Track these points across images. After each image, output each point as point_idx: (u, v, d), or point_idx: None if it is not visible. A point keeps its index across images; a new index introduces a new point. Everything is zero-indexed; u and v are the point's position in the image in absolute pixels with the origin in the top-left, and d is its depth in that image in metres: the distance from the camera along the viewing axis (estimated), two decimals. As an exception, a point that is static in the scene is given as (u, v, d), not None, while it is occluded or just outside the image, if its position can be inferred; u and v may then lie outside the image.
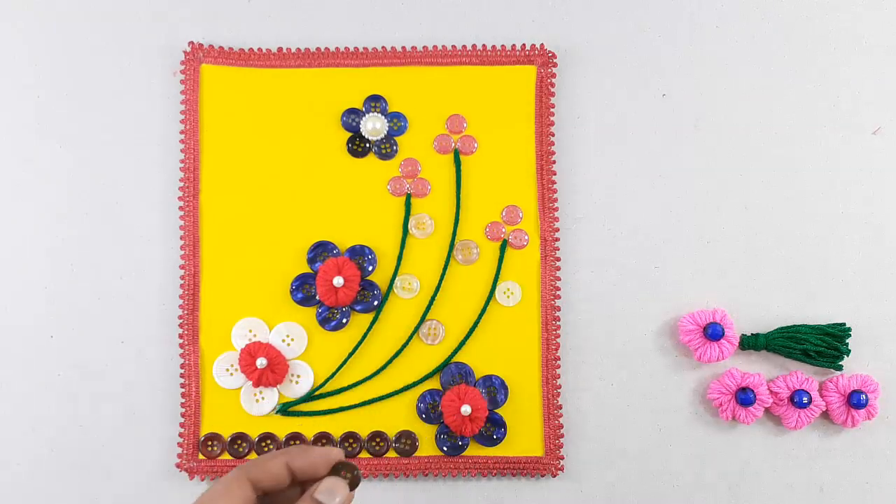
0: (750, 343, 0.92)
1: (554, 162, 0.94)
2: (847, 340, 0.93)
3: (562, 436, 0.92)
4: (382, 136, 0.93)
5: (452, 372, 0.91)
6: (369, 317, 0.92)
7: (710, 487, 0.93)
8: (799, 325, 0.93)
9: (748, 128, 0.96)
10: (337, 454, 0.64)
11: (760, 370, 0.93)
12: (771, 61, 0.97)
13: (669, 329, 0.94)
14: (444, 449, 0.90)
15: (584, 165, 0.95)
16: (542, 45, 0.95)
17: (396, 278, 0.92)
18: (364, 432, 0.91)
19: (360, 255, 0.92)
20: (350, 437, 0.91)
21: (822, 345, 0.93)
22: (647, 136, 0.96)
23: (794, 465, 0.93)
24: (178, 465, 0.91)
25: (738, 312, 0.94)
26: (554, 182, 0.94)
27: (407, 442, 0.91)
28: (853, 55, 0.97)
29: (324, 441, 0.90)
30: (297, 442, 0.90)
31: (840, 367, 0.93)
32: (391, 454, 0.91)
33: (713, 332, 0.91)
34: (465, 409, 0.89)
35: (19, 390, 0.92)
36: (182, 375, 0.91)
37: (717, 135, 0.96)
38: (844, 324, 0.93)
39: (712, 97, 0.96)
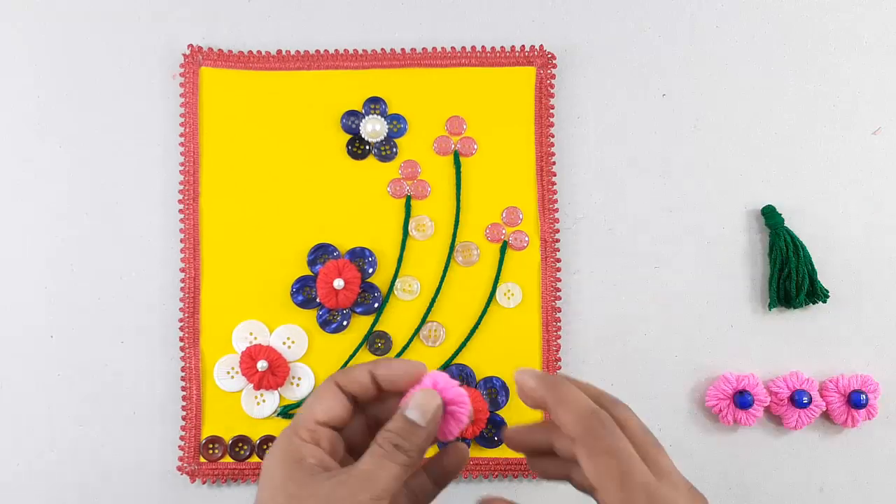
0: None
1: (554, 163, 0.94)
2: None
3: (562, 437, 0.92)
4: (382, 137, 0.93)
5: (453, 373, 0.91)
6: (370, 319, 0.92)
7: (710, 487, 0.93)
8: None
9: (748, 128, 0.96)
10: (418, 367, 0.64)
11: (754, 371, 0.93)
12: (771, 61, 0.97)
13: (669, 329, 0.94)
14: (445, 451, 0.90)
15: (584, 166, 0.95)
16: (541, 46, 0.95)
17: (397, 280, 0.92)
18: (365, 435, 0.91)
19: (361, 258, 0.92)
20: (351, 439, 0.91)
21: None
22: (647, 136, 0.96)
23: (794, 465, 0.93)
24: (179, 469, 0.91)
25: (739, 314, 0.94)
26: (554, 183, 0.94)
27: (408, 444, 0.91)
28: (853, 55, 0.97)
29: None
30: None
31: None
32: (392, 456, 0.91)
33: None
34: (466, 411, 0.89)
35: (19, 390, 0.92)
36: (183, 378, 0.91)
37: (717, 135, 0.96)
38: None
39: (712, 97, 0.96)
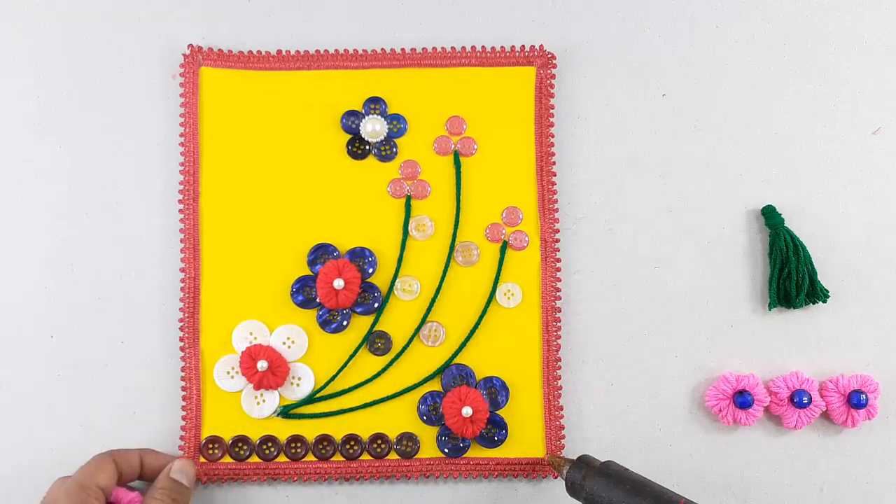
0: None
1: (554, 163, 0.94)
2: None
3: (563, 437, 0.92)
4: (382, 137, 0.93)
5: (453, 373, 0.91)
6: (370, 319, 0.92)
7: (710, 487, 0.93)
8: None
9: (748, 128, 0.96)
10: (175, 460, 0.89)
11: (754, 371, 0.93)
12: (771, 61, 0.97)
13: (669, 329, 0.94)
14: (446, 451, 0.90)
15: (584, 165, 0.95)
16: (541, 46, 0.95)
17: (397, 280, 0.92)
18: (365, 434, 0.91)
19: (361, 258, 0.92)
20: (351, 439, 0.91)
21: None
22: (647, 136, 0.96)
23: (794, 465, 0.93)
24: (179, 468, 0.91)
25: (739, 314, 0.94)
26: (554, 183, 0.94)
27: (408, 444, 0.91)
28: (853, 55, 0.97)
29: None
30: (298, 444, 0.90)
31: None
32: (392, 456, 0.91)
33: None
34: (466, 411, 0.89)
35: (19, 390, 0.92)
36: (183, 378, 0.91)
37: (717, 135, 0.96)
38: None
39: (712, 97, 0.96)
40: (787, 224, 0.94)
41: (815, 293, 0.93)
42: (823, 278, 0.94)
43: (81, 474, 0.83)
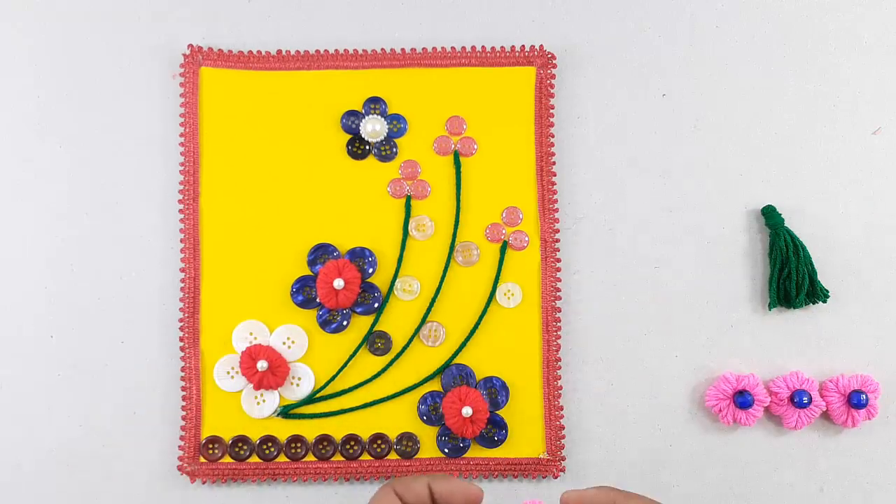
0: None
1: (554, 163, 0.94)
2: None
3: (563, 437, 0.92)
4: (382, 137, 0.93)
5: (453, 373, 0.91)
6: (370, 319, 0.92)
7: (710, 487, 0.93)
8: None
9: (748, 128, 0.96)
10: (476, 492, 0.63)
11: (754, 371, 0.93)
12: (771, 61, 0.97)
13: (669, 329, 0.94)
14: (446, 451, 0.90)
15: (584, 165, 0.95)
16: (541, 46, 0.95)
17: (397, 280, 0.92)
18: (365, 435, 0.91)
19: (361, 258, 0.92)
20: (351, 439, 0.91)
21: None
22: (647, 136, 0.95)
23: (794, 465, 0.93)
24: (179, 469, 0.91)
25: (739, 314, 0.94)
26: (554, 183, 0.94)
27: (408, 444, 0.91)
28: (853, 55, 0.97)
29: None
30: (298, 444, 0.90)
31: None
32: (392, 456, 0.91)
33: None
34: (466, 411, 0.89)
35: (19, 390, 0.92)
36: (183, 378, 0.91)
37: (717, 135, 0.96)
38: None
39: (712, 97, 0.96)
40: (787, 224, 0.94)
41: (815, 293, 0.93)
42: (823, 278, 0.94)
43: None
